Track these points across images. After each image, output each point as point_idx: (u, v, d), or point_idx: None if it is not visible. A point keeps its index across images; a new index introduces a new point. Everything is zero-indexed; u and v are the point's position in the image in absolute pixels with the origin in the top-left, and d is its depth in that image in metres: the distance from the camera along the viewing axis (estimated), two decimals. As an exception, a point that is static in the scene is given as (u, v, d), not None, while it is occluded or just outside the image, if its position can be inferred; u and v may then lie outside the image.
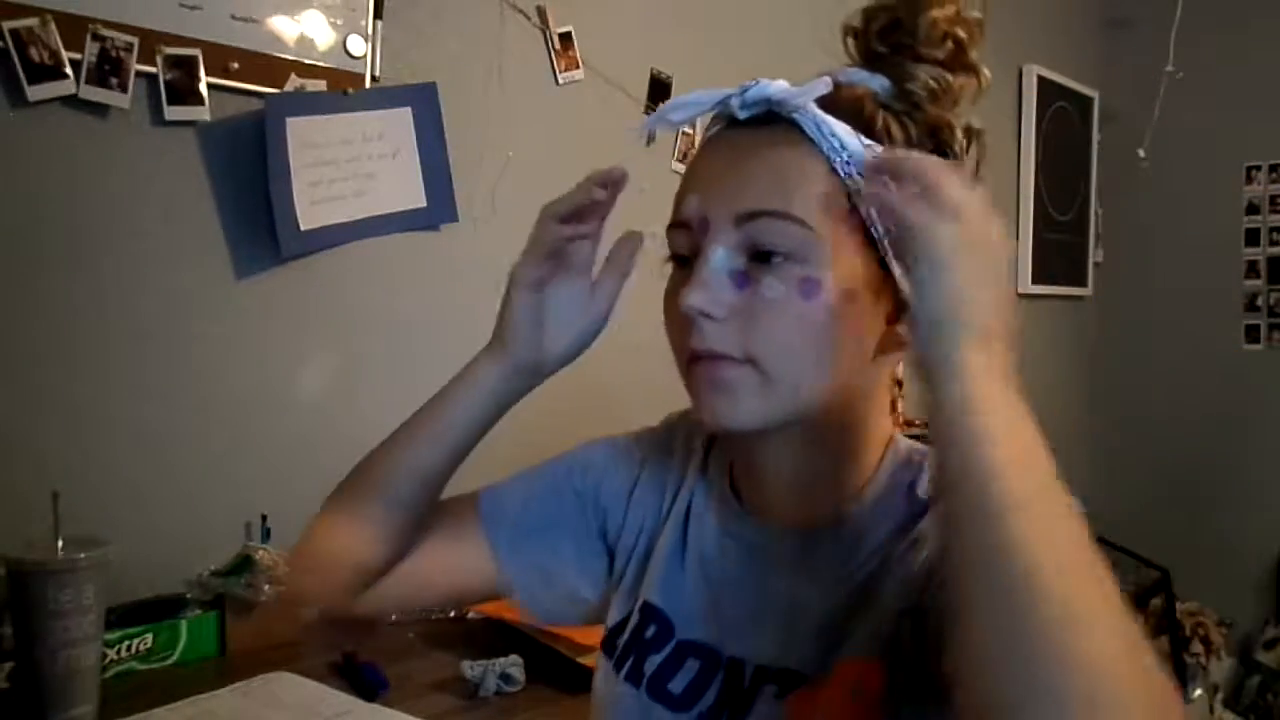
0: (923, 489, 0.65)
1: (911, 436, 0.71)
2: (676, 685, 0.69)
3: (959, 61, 0.66)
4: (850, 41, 0.68)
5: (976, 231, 0.54)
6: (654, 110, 0.66)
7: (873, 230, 0.61)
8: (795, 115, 0.61)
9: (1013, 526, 0.46)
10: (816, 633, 0.64)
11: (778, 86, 0.61)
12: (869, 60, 0.67)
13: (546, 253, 0.70)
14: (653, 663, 0.71)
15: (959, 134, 0.66)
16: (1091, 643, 0.43)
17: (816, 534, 0.67)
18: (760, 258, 0.61)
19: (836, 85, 0.63)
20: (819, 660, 0.63)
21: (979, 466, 0.49)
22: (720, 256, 0.61)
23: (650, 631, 0.72)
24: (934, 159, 0.59)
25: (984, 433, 0.50)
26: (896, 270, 0.60)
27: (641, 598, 0.74)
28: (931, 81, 0.65)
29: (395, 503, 0.75)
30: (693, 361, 0.63)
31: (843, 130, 0.61)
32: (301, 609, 0.85)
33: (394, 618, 1.50)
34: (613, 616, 0.76)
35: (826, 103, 0.62)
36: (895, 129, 0.64)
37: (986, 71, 0.67)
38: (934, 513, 0.61)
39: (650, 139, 0.74)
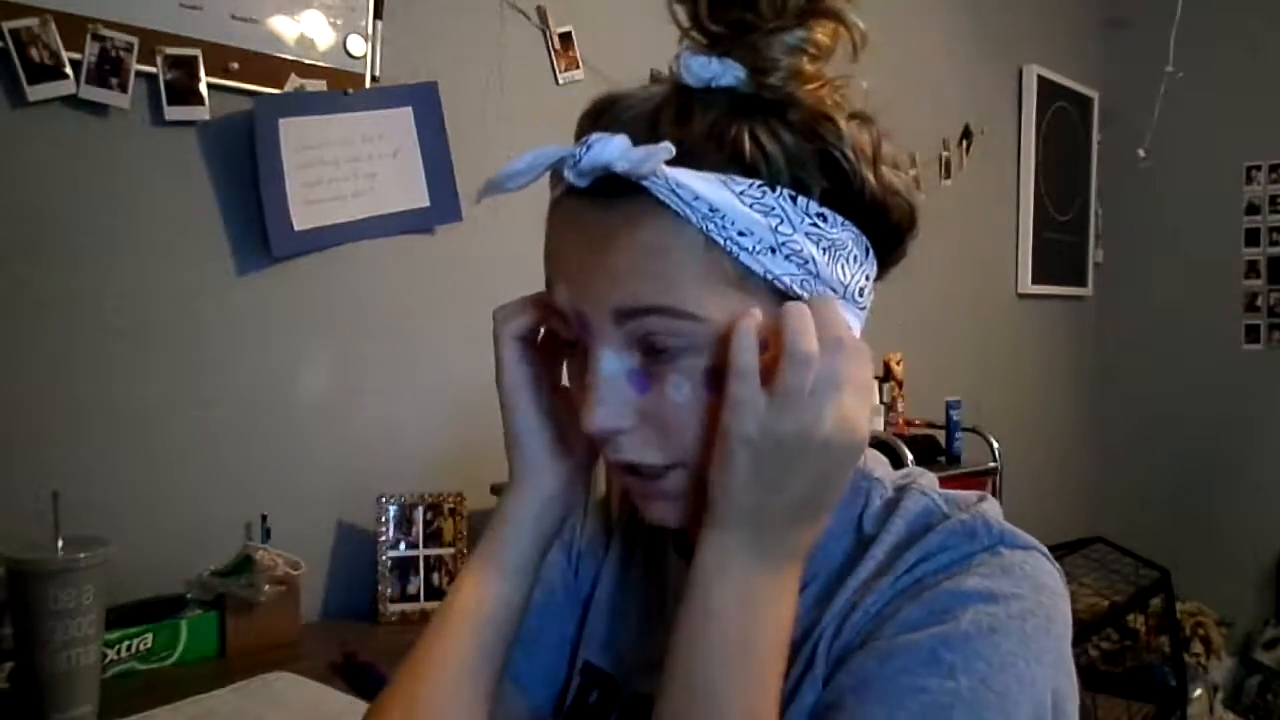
0: (869, 518, 0.58)
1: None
2: None
3: (817, 11, 0.53)
4: (678, 10, 0.56)
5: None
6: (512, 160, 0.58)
7: (777, 284, 0.53)
8: (646, 184, 0.50)
9: None
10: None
11: (617, 149, 0.50)
12: (713, 41, 0.54)
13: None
14: None
15: (844, 126, 0.53)
16: None
17: None
18: (654, 348, 0.53)
19: (687, 95, 0.54)
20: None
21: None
22: (611, 362, 0.54)
23: (594, 697, 0.65)
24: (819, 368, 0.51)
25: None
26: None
27: (580, 658, 0.67)
28: (794, 60, 0.53)
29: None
30: (620, 471, 0.57)
31: (707, 187, 0.50)
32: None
33: (394, 616, 1.50)
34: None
35: (680, 139, 0.51)
36: (769, 146, 0.52)
37: (859, 21, 0.54)
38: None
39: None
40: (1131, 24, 3.41)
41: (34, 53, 1.26)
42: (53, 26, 1.27)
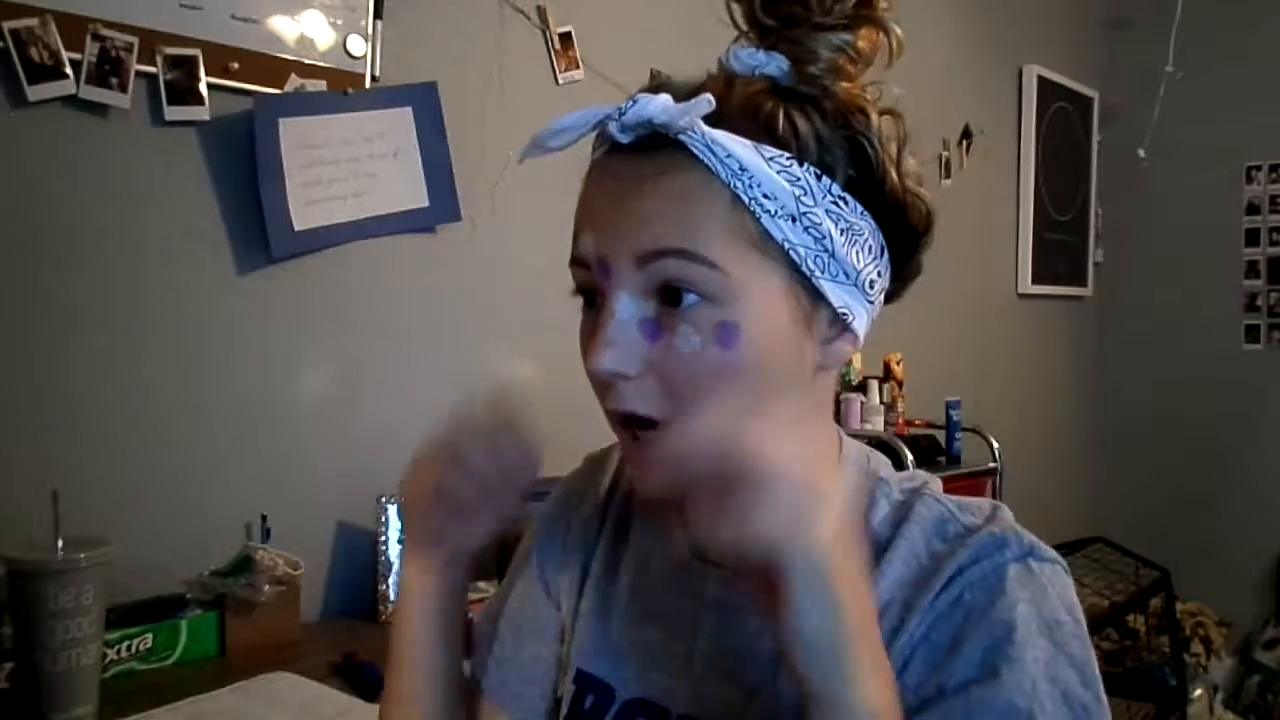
0: (879, 523, 0.58)
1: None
2: None
3: (863, 17, 0.57)
4: (734, 7, 0.60)
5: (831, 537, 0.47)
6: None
7: (793, 254, 0.55)
8: (683, 138, 0.53)
9: None
10: (773, 695, 0.57)
11: (659, 104, 0.53)
12: (763, 34, 0.58)
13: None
14: None
15: (874, 119, 0.57)
16: None
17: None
18: (670, 298, 0.54)
19: (730, 78, 0.57)
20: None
21: None
22: (626, 306, 0.55)
23: (589, 702, 0.65)
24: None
25: None
26: (827, 287, 0.56)
27: (573, 665, 0.67)
28: (835, 56, 0.57)
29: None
30: (615, 421, 0.58)
31: (740, 148, 0.53)
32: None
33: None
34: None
35: (719, 109, 0.53)
36: (802, 125, 0.55)
37: (898, 30, 0.58)
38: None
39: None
40: (1131, 24, 3.41)
41: (34, 53, 1.26)
42: (53, 26, 1.27)
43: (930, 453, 2.27)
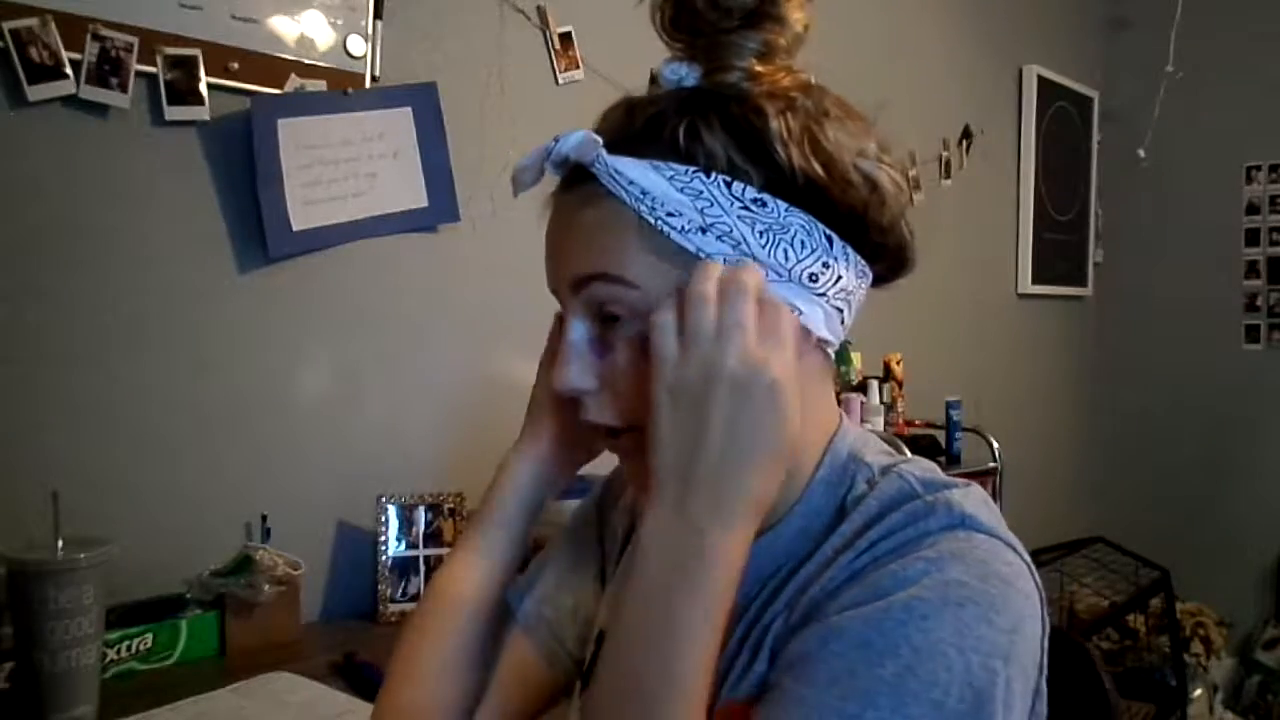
0: (851, 504, 0.59)
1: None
2: None
3: (764, 14, 0.59)
4: (656, 28, 0.63)
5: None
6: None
7: (723, 260, 0.57)
8: (593, 169, 0.57)
9: None
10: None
11: (573, 141, 0.57)
12: (683, 45, 0.62)
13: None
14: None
15: (771, 115, 0.57)
16: None
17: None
18: (607, 318, 0.59)
19: (632, 103, 0.61)
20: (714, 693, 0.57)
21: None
22: (577, 328, 0.60)
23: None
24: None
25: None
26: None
27: (597, 627, 0.72)
28: (745, 60, 0.59)
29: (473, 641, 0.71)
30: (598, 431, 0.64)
31: (639, 172, 0.56)
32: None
33: (394, 616, 1.50)
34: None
35: (625, 133, 0.58)
36: (705, 137, 0.57)
37: (796, 25, 0.60)
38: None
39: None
40: (1131, 24, 3.41)
41: (34, 53, 1.26)
42: (53, 26, 1.27)
43: (930, 453, 2.27)
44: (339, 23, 1.56)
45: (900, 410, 2.31)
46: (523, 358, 1.67)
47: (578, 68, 1.86)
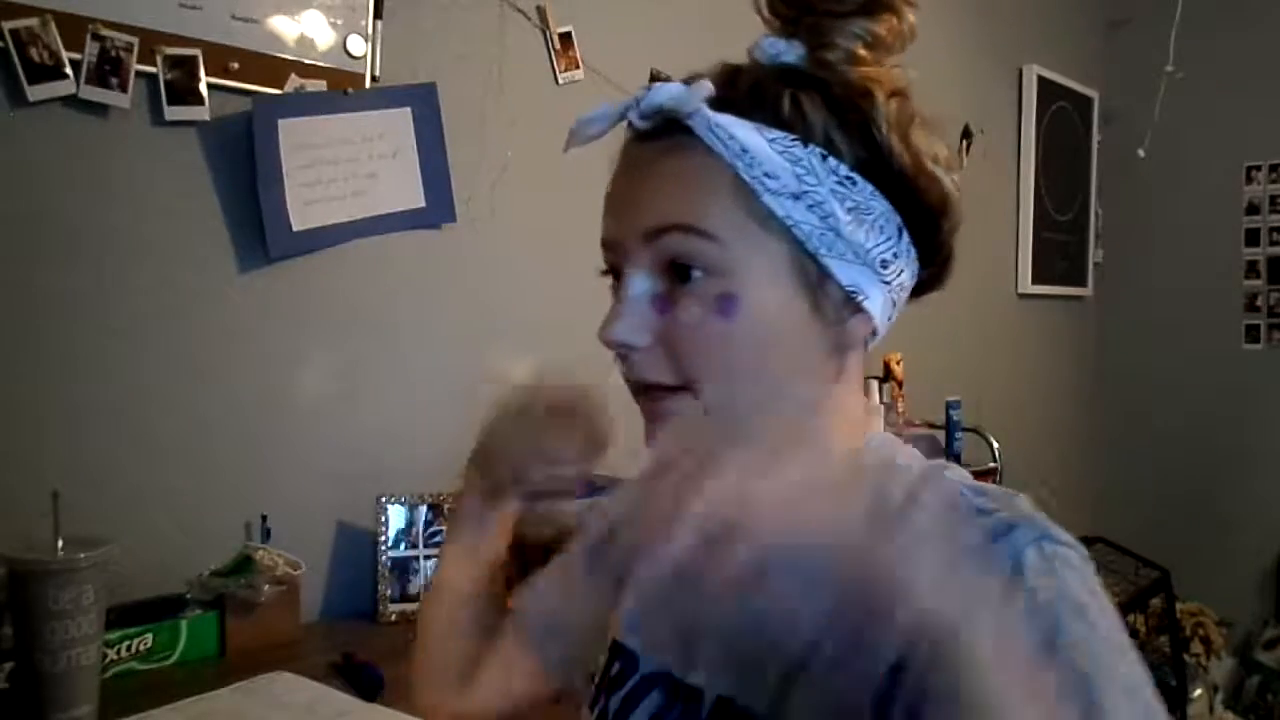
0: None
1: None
2: None
3: (879, 3, 0.60)
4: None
5: None
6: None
7: (796, 231, 0.56)
8: (689, 121, 0.56)
9: None
10: (773, 668, 0.58)
11: (668, 91, 0.57)
12: (784, 23, 0.61)
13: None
14: (617, 699, 0.67)
15: (880, 100, 0.58)
16: None
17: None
18: (679, 274, 0.57)
19: (737, 67, 0.60)
20: (772, 699, 0.56)
21: None
22: (638, 283, 0.59)
23: (615, 668, 0.69)
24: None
25: None
26: (833, 265, 0.57)
27: (610, 636, 0.72)
28: (850, 42, 0.59)
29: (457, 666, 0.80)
30: (634, 392, 0.61)
31: (742, 130, 0.56)
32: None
33: (394, 616, 1.50)
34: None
35: (726, 95, 0.57)
36: (807, 108, 0.57)
37: (910, 16, 0.61)
38: None
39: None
40: (1131, 24, 3.41)
41: (34, 53, 1.26)
42: (53, 26, 1.27)
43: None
44: (339, 23, 1.56)
45: (900, 410, 2.31)
46: (521, 357, 1.67)
47: (578, 68, 1.86)
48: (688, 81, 0.58)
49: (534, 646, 0.78)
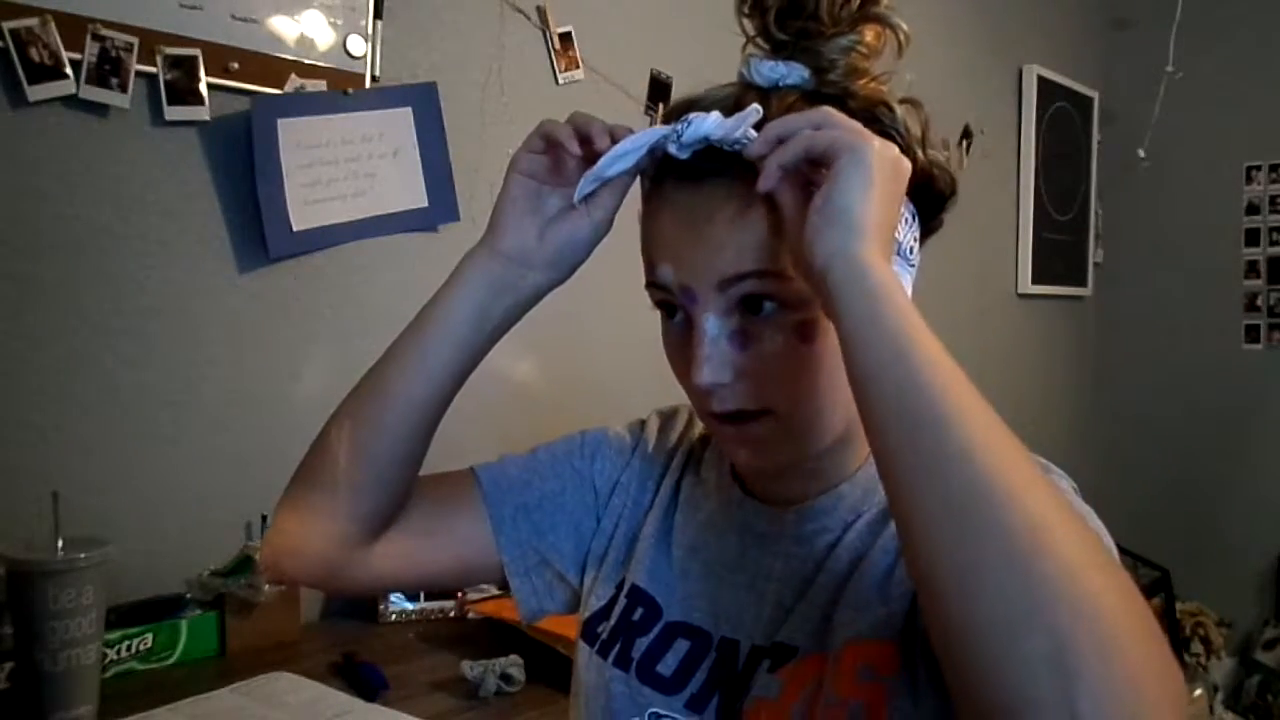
0: None
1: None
2: (666, 667, 0.69)
3: (868, 16, 0.63)
4: (746, 22, 0.66)
5: (889, 151, 0.57)
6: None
7: None
8: (737, 149, 0.59)
9: (961, 438, 0.48)
10: (811, 608, 0.64)
11: (713, 121, 0.58)
12: (776, 46, 0.64)
13: (545, 148, 0.68)
14: (640, 646, 0.70)
15: (898, 110, 0.63)
16: (1062, 548, 0.44)
17: (812, 510, 0.68)
18: (751, 308, 0.61)
19: (761, 90, 0.62)
20: (816, 635, 0.63)
21: (911, 369, 0.51)
22: (714, 325, 0.61)
23: (638, 614, 0.72)
24: (810, 113, 0.58)
25: (909, 337, 0.53)
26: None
27: (628, 582, 0.74)
28: (849, 59, 0.63)
29: (382, 449, 0.74)
30: (714, 419, 0.65)
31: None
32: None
33: (394, 616, 1.50)
34: (593, 603, 0.76)
35: (760, 120, 0.59)
36: None
37: (903, 24, 0.64)
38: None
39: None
40: (1131, 24, 3.41)
41: (34, 53, 1.26)
42: (53, 26, 1.27)
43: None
44: (339, 23, 1.56)
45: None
46: (522, 357, 1.67)
47: (578, 68, 1.86)
48: (725, 111, 0.59)
49: (494, 520, 0.76)
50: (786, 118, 0.58)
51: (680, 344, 0.64)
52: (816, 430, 0.64)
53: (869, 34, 0.63)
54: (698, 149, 0.59)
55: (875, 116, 0.62)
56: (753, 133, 0.58)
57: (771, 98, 0.62)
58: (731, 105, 0.61)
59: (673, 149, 0.60)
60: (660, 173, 0.63)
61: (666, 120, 0.62)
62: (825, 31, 0.62)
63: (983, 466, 0.46)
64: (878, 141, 0.56)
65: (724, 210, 0.59)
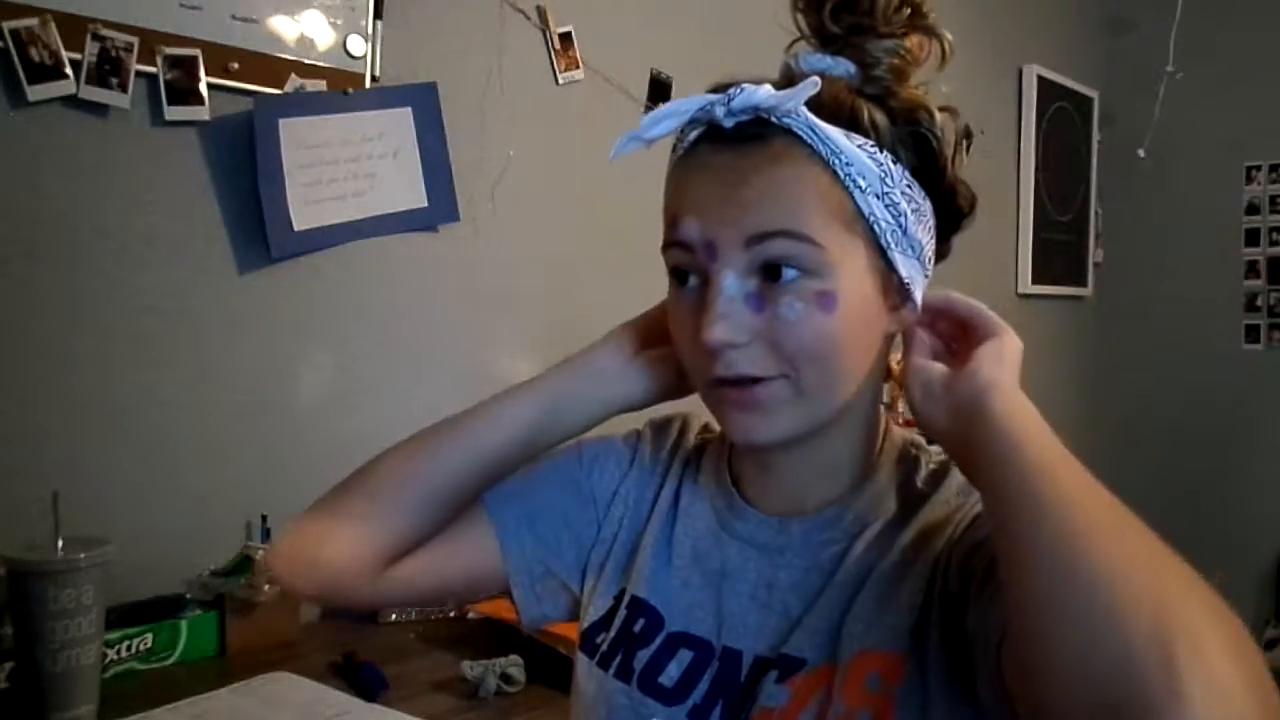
0: (921, 481, 0.68)
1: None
2: (668, 678, 0.69)
3: (916, 26, 0.66)
4: (800, 18, 0.67)
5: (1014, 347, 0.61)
6: (653, 110, 0.64)
7: (876, 229, 0.62)
8: (788, 122, 0.60)
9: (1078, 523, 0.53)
10: (819, 619, 0.64)
11: (765, 92, 0.59)
12: (825, 41, 0.66)
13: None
14: (642, 657, 0.70)
15: (937, 116, 0.65)
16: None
17: (817, 521, 0.68)
18: (771, 274, 0.61)
19: (791, 78, 0.64)
20: (825, 645, 0.63)
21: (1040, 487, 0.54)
22: (733, 284, 0.61)
23: (639, 625, 0.72)
24: (972, 303, 0.64)
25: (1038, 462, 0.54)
26: (898, 260, 0.63)
27: (628, 592, 0.74)
28: (895, 60, 0.65)
29: (427, 504, 0.74)
30: (718, 385, 0.64)
31: (836, 133, 0.60)
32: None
33: (394, 616, 1.50)
34: (592, 613, 0.76)
35: (811, 102, 0.60)
36: (878, 118, 0.63)
37: (948, 35, 0.67)
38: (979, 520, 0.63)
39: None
40: (1131, 24, 3.41)
41: (34, 53, 1.26)
42: (53, 26, 1.27)
43: (930, 453, 2.26)
44: (339, 23, 1.56)
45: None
46: (522, 357, 1.67)
47: (578, 68, 1.86)
48: (776, 85, 0.61)
49: (499, 530, 0.77)
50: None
51: (691, 309, 0.63)
52: (830, 405, 0.64)
53: (914, 41, 0.66)
54: (744, 118, 0.60)
55: (915, 119, 0.64)
56: (804, 109, 0.59)
57: (824, 81, 0.62)
58: (782, 84, 0.62)
59: (720, 112, 0.60)
60: (699, 137, 0.63)
61: (712, 90, 0.63)
62: (877, 28, 0.64)
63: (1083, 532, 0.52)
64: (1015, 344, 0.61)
65: (760, 170, 0.60)
